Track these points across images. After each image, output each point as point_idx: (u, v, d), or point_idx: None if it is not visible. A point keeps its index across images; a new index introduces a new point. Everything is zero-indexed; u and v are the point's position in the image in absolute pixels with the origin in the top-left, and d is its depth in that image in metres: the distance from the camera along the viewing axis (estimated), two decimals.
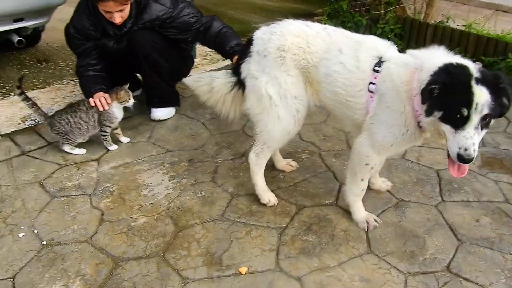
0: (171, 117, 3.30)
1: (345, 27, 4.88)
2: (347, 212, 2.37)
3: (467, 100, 1.71)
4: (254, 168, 2.39)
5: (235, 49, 2.96)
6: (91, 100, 2.79)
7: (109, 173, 2.65)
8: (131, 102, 2.85)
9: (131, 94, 2.86)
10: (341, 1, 5.05)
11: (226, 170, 2.72)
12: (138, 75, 3.53)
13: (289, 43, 2.15)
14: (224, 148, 2.95)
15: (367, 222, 2.28)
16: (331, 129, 3.21)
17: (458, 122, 1.75)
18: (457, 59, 1.88)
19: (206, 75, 2.49)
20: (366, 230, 2.27)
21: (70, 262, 2.03)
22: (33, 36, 4.25)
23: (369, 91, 2.02)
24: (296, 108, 2.22)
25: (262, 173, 2.41)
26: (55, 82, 3.86)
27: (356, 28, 4.98)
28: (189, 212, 2.35)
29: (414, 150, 2.98)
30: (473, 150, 1.74)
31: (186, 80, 2.59)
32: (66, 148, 2.79)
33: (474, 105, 1.70)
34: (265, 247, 2.14)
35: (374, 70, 2.01)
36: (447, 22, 4.81)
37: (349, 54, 2.07)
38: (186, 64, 3.45)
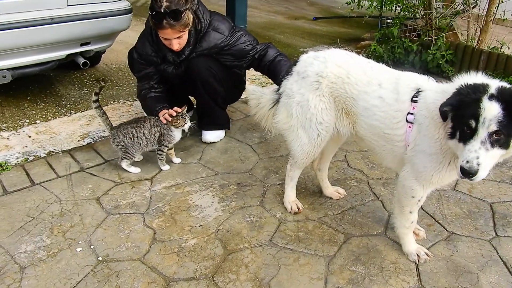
0: (220, 139, 3.39)
1: (395, 53, 4.95)
2: (396, 244, 2.34)
3: (474, 113, 1.70)
4: (286, 178, 2.59)
5: None
6: (161, 117, 2.94)
7: (161, 192, 2.75)
8: (187, 126, 2.97)
9: (187, 118, 2.97)
10: (392, 27, 5.04)
11: (274, 195, 2.76)
12: (190, 97, 3.67)
13: (328, 71, 2.22)
14: (272, 173, 2.99)
15: (418, 255, 2.24)
16: None
17: (466, 136, 1.74)
18: (484, 79, 1.85)
19: (258, 90, 2.64)
20: (417, 263, 2.23)
21: (124, 279, 2.12)
22: (94, 57, 4.51)
23: (408, 121, 2.03)
24: (317, 133, 2.33)
25: (293, 185, 2.60)
26: (112, 102, 4.07)
27: (406, 53, 4.95)
28: (238, 235, 2.40)
29: (465, 181, 2.90)
30: (476, 163, 1.70)
31: (248, 87, 2.76)
32: (124, 164, 2.92)
33: (481, 119, 1.69)
34: (313, 275, 2.14)
35: (413, 101, 2.02)
36: (501, 48, 4.69)
37: (389, 87, 2.10)
38: (238, 89, 3.55)
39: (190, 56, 3.06)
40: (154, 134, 2.91)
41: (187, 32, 2.93)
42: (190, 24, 2.89)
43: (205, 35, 3.03)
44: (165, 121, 2.92)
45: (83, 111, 3.85)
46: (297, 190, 2.78)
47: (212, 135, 3.35)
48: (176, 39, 2.89)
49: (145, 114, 3.22)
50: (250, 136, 3.46)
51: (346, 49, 2.82)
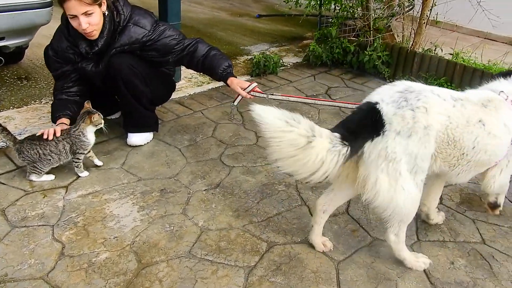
0: (148, 142, 3.23)
1: (333, 52, 4.94)
2: (318, 251, 2.29)
3: None
4: (397, 247, 2.20)
5: (228, 71, 2.94)
6: (41, 131, 2.69)
7: (76, 202, 2.56)
8: (102, 124, 2.79)
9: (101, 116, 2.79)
10: (331, 27, 5.05)
11: (198, 201, 2.64)
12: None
13: (435, 122, 1.99)
14: (198, 178, 2.87)
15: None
16: None
17: None
18: None
19: (304, 124, 1.86)
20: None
21: None
22: (15, 53, 4.19)
23: None
24: (422, 181, 2.06)
25: (405, 246, 2.24)
26: (33, 102, 3.79)
27: (344, 54, 4.96)
28: (155, 247, 2.26)
29: None
30: None
31: (257, 108, 1.82)
32: (33, 177, 2.69)
33: None
34: None
35: None
36: (435, 50, 4.81)
37: (493, 122, 2.11)
38: (167, 90, 3.39)
39: (110, 51, 2.86)
40: (64, 147, 2.68)
41: (98, 12, 2.68)
42: (102, 4, 2.71)
43: (125, 29, 2.85)
44: (45, 137, 2.63)
45: None
46: (222, 196, 2.69)
47: (137, 138, 3.18)
48: (84, 17, 2.62)
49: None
50: (180, 138, 3.32)
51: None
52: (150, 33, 2.91)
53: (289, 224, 2.50)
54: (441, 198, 2.79)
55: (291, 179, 2.91)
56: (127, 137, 3.19)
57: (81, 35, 2.78)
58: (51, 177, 2.73)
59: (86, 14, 2.63)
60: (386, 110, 1.96)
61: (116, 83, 2.94)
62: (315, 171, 1.87)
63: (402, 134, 1.94)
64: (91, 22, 2.68)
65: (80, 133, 2.71)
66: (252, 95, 2.83)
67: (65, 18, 2.79)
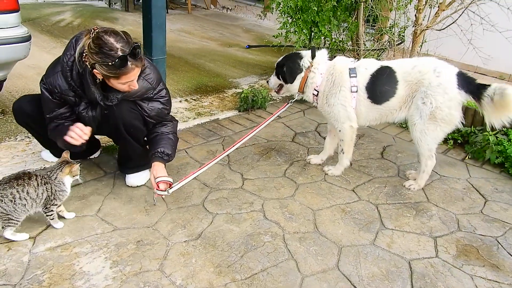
0: (147, 180, 3.10)
1: None
2: None
3: None
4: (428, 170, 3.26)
5: (158, 155, 2.82)
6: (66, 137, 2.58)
7: (44, 256, 2.35)
8: (78, 175, 2.61)
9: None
10: None
11: (177, 255, 2.44)
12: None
13: None
14: (179, 227, 2.68)
15: None
16: (299, 205, 2.98)
17: None
18: None
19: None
20: None
21: None
22: None
23: None
24: None
25: None
26: (7, 138, 3.59)
27: None
28: None
29: (385, 235, 2.75)
30: None
31: None
32: (8, 233, 2.42)
33: None
34: None
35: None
36: None
37: None
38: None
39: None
40: (42, 194, 2.44)
41: None
42: None
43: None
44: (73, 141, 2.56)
45: None
46: (204, 248, 2.50)
47: (137, 178, 3.07)
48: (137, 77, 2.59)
49: (29, 170, 2.59)
50: None
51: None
52: (153, 90, 2.82)
53: (274, 282, 2.31)
54: (436, 250, 2.64)
55: (278, 228, 2.74)
56: (125, 178, 3.07)
57: (92, 86, 2.59)
58: (26, 236, 2.47)
59: None
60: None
61: (117, 128, 2.80)
62: None
63: None
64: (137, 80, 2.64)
65: (60, 182, 2.51)
66: (157, 193, 2.70)
67: (71, 61, 2.57)
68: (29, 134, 3.66)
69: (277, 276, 2.36)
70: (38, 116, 2.82)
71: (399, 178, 3.47)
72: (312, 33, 5.01)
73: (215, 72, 5.88)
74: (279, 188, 3.19)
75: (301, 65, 3.28)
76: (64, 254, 2.38)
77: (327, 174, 3.43)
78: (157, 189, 2.67)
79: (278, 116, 4.47)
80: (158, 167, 2.78)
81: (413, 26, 4.57)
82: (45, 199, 2.47)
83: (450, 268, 2.52)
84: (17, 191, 2.37)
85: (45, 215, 2.52)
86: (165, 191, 2.68)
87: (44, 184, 2.46)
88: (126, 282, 2.23)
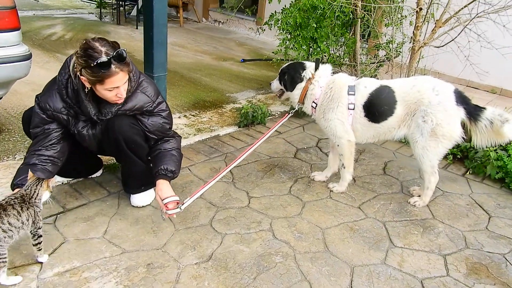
0: (152, 200, 3.05)
1: None
2: None
3: None
4: (432, 187, 3.33)
5: (163, 173, 2.77)
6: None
7: (52, 282, 2.28)
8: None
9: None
10: None
11: (190, 278, 2.40)
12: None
13: None
14: (189, 249, 2.63)
15: None
16: (307, 224, 2.97)
17: None
18: None
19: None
20: None
21: None
22: None
23: None
24: None
25: None
26: (6, 158, 3.51)
27: None
28: None
29: (395, 253, 2.75)
30: None
31: None
32: (2, 278, 2.17)
33: None
34: None
35: None
36: None
37: None
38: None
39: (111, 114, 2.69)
40: (27, 219, 2.22)
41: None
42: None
43: (133, 95, 2.68)
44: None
45: None
46: (216, 271, 2.46)
47: (143, 198, 3.01)
48: (124, 85, 2.53)
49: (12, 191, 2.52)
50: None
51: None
52: (153, 104, 2.78)
53: None
54: (447, 269, 2.64)
55: (288, 248, 2.71)
56: (130, 198, 3.01)
57: (85, 100, 2.57)
58: (19, 278, 2.27)
59: (125, 83, 2.53)
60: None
61: (118, 143, 2.74)
62: None
63: None
64: (126, 89, 2.58)
65: (39, 200, 2.32)
66: (167, 214, 2.65)
67: (65, 79, 2.56)
68: None
69: None
70: None
71: (403, 195, 3.48)
72: (311, 49, 5.04)
73: (212, 87, 5.86)
74: (285, 206, 3.17)
75: (302, 75, 3.33)
76: (74, 280, 2.31)
77: (332, 191, 3.43)
78: (166, 210, 2.63)
79: (278, 131, 4.48)
80: (163, 185, 2.75)
81: (410, 42, 4.63)
82: (33, 222, 2.25)
83: (462, 287, 2.52)
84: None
85: (36, 243, 2.33)
86: (176, 208, 2.64)
87: (28, 209, 2.23)
88: None
